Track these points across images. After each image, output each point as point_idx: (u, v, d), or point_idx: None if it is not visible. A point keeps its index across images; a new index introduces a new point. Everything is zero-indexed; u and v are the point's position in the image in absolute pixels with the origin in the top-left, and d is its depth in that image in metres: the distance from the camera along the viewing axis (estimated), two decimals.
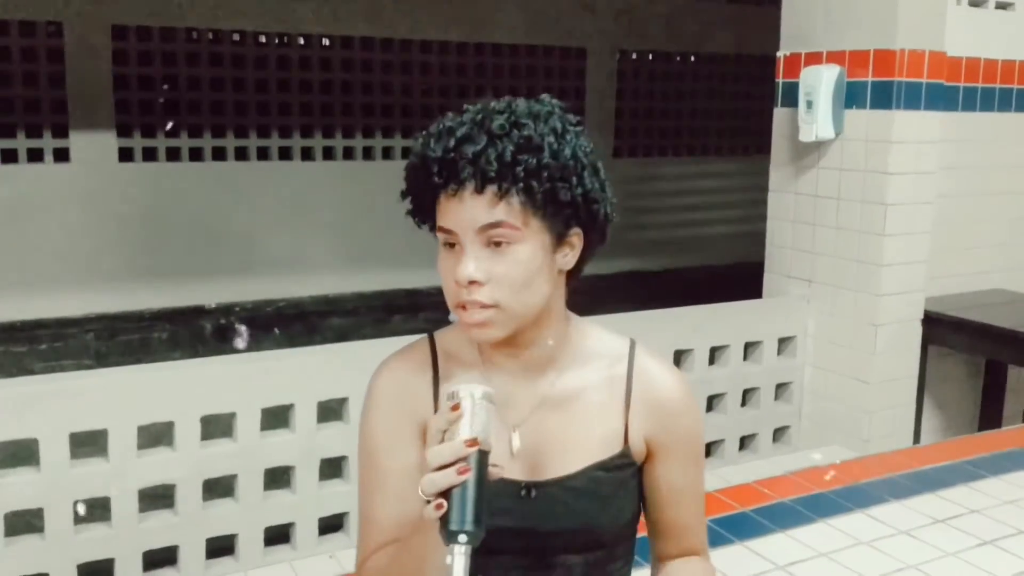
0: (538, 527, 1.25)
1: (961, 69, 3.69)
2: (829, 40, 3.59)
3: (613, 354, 1.32)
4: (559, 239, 1.21)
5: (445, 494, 1.03)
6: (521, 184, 1.15)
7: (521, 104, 1.21)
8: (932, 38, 3.46)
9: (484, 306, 1.17)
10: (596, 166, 1.22)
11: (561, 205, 1.18)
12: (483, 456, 1.04)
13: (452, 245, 1.19)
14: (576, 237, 1.23)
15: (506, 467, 1.22)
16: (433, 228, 1.24)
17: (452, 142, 1.16)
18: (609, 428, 1.28)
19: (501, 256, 1.16)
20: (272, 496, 2.78)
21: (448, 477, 1.03)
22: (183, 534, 2.65)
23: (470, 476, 1.02)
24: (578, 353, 1.30)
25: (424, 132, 1.22)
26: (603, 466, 1.27)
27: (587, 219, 1.22)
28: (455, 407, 1.06)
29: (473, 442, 1.04)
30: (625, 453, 1.29)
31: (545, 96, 1.25)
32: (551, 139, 1.17)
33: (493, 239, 1.16)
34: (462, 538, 1.01)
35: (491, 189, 1.15)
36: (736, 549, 2.36)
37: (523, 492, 1.25)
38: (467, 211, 1.16)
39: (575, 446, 1.27)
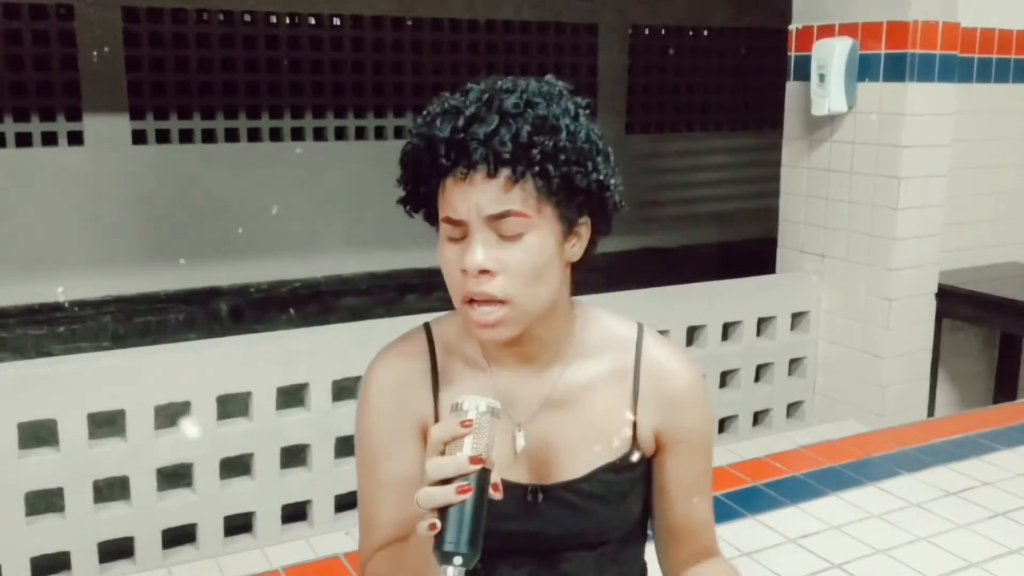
0: (545, 531, 1.20)
1: (975, 40, 3.65)
2: (841, 12, 3.56)
3: (620, 343, 1.25)
4: (569, 229, 1.14)
5: (442, 510, 0.97)
6: (537, 168, 1.07)
7: (531, 83, 1.13)
8: (945, 9, 3.43)
9: (494, 301, 1.10)
10: (608, 152, 1.15)
11: (576, 192, 1.11)
12: (485, 475, 0.98)
13: (457, 239, 1.11)
14: (584, 227, 1.16)
15: (509, 469, 1.18)
16: (427, 217, 1.18)
17: (461, 121, 1.07)
18: (617, 424, 1.22)
19: (512, 245, 1.09)
20: (288, 474, 2.81)
21: (447, 495, 0.96)
22: (201, 512, 2.68)
23: (470, 496, 0.97)
24: (583, 345, 1.23)
25: (424, 112, 1.14)
26: (613, 467, 1.21)
27: (598, 208, 1.16)
28: (466, 423, 0.99)
29: (477, 459, 0.97)
30: (634, 450, 1.23)
31: (550, 76, 1.17)
32: (567, 121, 1.10)
33: (502, 231, 1.08)
34: (456, 560, 0.96)
35: (504, 173, 1.07)
36: (748, 522, 2.37)
37: (528, 496, 1.19)
38: (477, 197, 1.07)
39: (582, 446, 1.21)
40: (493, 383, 1.22)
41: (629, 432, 1.23)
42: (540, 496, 1.20)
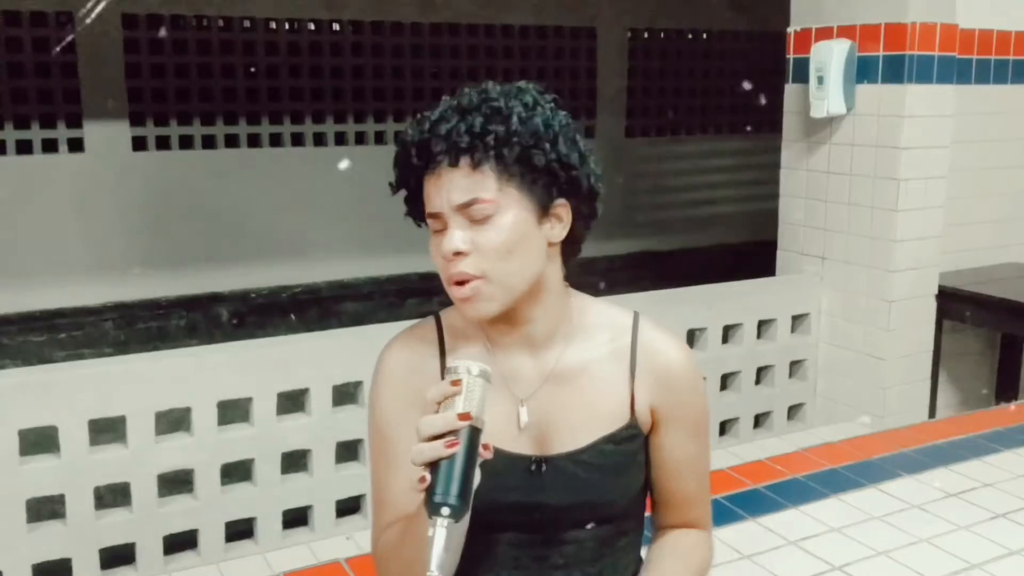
0: (547, 502, 1.26)
1: (974, 41, 3.65)
2: (840, 15, 3.56)
3: (617, 326, 1.33)
4: (544, 210, 1.23)
5: (433, 467, 1.03)
6: (492, 151, 1.18)
7: (496, 86, 1.25)
8: (943, 10, 3.43)
9: (470, 278, 1.20)
10: (574, 137, 1.25)
11: (537, 172, 1.20)
12: (474, 433, 1.04)
13: (440, 231, 1.22)
14: (562, 209, 1.25)
15: (514, 442, 1.26)
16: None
17: (427, 124, 1.21)
18: (616, 400, 1.30)
19: (483, 227, 1.19)
20: (289, 479, 2.81)
21: (435, 449, 1.03)
22: (202, 518, 2.68)
23: (458, 450, 1.03)
24: (582, 327, 1.32)
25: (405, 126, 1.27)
26: (611, 439, 1.28)
27: (569, 188, 1.24)
28: (455, 382, 1.06)
29: (465, 416, 1.04)
30: (632, 424, 1.30)
31: (523, 82, 1.28)
32: (520, 109, 1.21)
33: (473, 216, 1.19)
34: (444, 511, 1.01)
35: (464, 160, 1.19)
36: (749, 525, 2.37)
37: (532, 467, 1.26)
38: (445, 187, 1.19)
39: (583, 419, 1.28)
40: (496, 363, 1.28)
41: (627, 405, 1.30)
42: (543, 467, 1.27)
